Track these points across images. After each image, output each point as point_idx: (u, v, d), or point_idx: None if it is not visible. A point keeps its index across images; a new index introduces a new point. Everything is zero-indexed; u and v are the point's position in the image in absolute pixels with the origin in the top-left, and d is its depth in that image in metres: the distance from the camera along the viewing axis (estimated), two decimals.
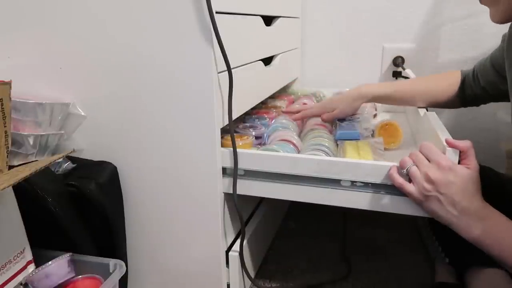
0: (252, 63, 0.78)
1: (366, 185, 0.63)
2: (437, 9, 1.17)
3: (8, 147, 0.58)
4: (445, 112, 1.26)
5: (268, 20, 0.92)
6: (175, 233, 0.74)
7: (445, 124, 1.34)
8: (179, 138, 0.67)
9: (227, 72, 0.64)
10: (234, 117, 0.70)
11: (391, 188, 0.61)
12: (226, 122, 0.68)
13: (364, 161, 0.62)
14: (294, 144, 0.75)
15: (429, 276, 0.88)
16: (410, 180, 0.58)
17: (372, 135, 0.83)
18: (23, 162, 0.66)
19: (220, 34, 0.59)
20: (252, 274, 0.87)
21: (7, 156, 0.58)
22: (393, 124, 0.82)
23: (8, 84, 0.56)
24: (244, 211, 0.85)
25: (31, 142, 0.67)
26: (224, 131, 0.68)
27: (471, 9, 1.13)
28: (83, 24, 0.66)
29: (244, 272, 0.75)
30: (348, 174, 0.63)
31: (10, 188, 0.54)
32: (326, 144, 0.74)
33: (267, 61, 0.90)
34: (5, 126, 0.56)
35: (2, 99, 0.55)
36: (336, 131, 0.81)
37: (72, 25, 0.67)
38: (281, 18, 0.97)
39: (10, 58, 0.72)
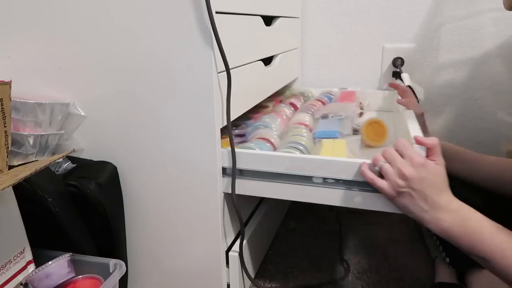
0: (252, 63, 0.78)
1: (338, 182, 0.64)
2: (437, 9, 1.17)
3: (8, 147, 0.58)
4: (445, 113, 1.26)
5: (268, 20, 0.92)
6: (175, 233, 0.74)
7: (445, 125, 1.35)
8: (179, 138, 0.67)
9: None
10: (234, 117, 0.70)
11: (363, 185, 0.62)
12: (224, 123, 0.68)
13: (335, 158, 0.63)
14: (271, 143, 0.76)
15: (429, 276, 0.88)
16: (382, 177, 0.58)
17: (358, 133, 0.84)
18: (23, 162, 0.66)
19: (220, 34, 0.59)
20: (252, 274, 0.87)
21: (7, 156, 0.58)
22: (379, 122, 0.82)
23: (8, 84, 0.56)
24: (244, 211, 0.85)
25: (31, 142, 0.67)
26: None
27: (471, 9, 1.13)
28: (83, 24, 0.66)
29: (244, 272, 0.75)
30: (320, 171, 0.63)
31: (10, 188, 0.54)
32: (303, 142, 0.75)
33: (267, 61, 0.90)
34: (5, 126, 0.56)
35: (2, 99, 0.55)
36: (315, 130, 0.82)
37: (72, 25, 0.67)
38: (281, 18, 0.97)
39: (10, 58, 0.72)
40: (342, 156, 0.65)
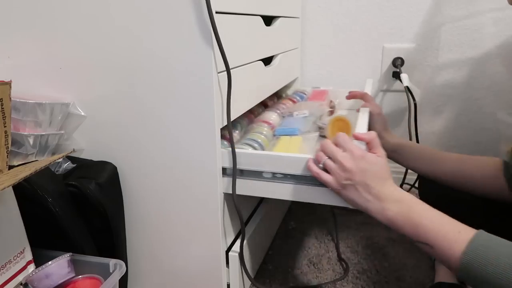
0: (252, 63, 0.78)
1: (286, 177, 0.66)
2: (437, 9, 1.17)
3: (8, 147, 0.58)
4: (445, 113, 1.26)
5: (268, 20, 0.92)
6: (175, 233, 0.74)
7: (445, 125, 1.35)
8: (179, 138, 0.67)
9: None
10: (234, 117, 0.70)
11: (311, 179, 0.63)
12: (225, 123, 0.68)
13: (283, 154, 0.65)
14: (228, 140, 0.76)
15: (429, 276, 0.88)
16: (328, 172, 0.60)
17: (323, 130, 0.86)
18: (23, 162, 0.66)
19: (220, 34, 0.59)
20: (252, 274, 0.87)
21: (7, 156, 0.58)
22: (344, 120, 0.83)
23: (8, 84, 0.56)
24: (244, 211, 0.85)
25: (31, 142, 0.67)
26: None
27: (471, 9, 1.13)
28: (83, 24, 0.66)
29: (244, 272, 0.75)
30: (269, 166, 0.66)
31: (10, 188, 0.54)
32: (259, 139, 0.76)
33: (267, 61, 0.90)
34: (5, 126, 0.56)
35: (2, 99, 0.55)
36: (278, 127, 0.85)
37: (72, 25, 0.67)
38: (281, 18, 0.97)
39: (10, 58, 0.72)
40: (295, 152, 0.66)
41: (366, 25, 1.25)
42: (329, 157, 0.60)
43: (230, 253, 0.75)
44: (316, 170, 0.60)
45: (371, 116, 0.86)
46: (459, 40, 1.17)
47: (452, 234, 0.51)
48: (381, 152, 0.60)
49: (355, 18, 1.25)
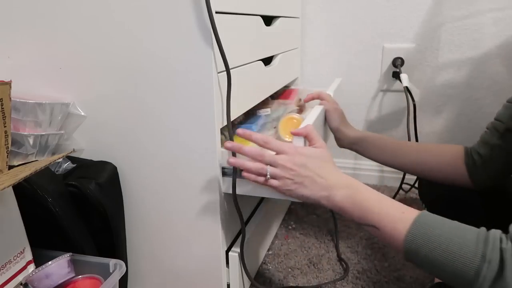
0: (252, 63, 0.78)
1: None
2: (437, 9, 1.17)
3: (8, 147, 0.58)
4: (445, 113, 1.26)
5: (268, 20, 0.92)
6: (175, 233, 0.74)
7: (445, 125, 1.35)
8: (179, 138, 0.67)
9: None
10: (234, 116, 0.70)
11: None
12: (225, 122, 0.68)
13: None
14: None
15: (429, 276, 0.88)
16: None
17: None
18: (23, 162, 0.66)
19: (220, 34, 0.59)
20: (252, 274, 0.87)
21: (7, 156, 0.58)
22: (296, 118, 0.83)
23: (8, 84, 0.56)
24: (244, 211, 0.85)
25: (31, 142, 0.67)
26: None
27: (471, 9, 1.13)
28: (83, 24, 0.66)
29: (244, 272, 0.75)
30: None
31: (10, 188, 0.54)
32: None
33: (267, 61, 0.90)
34: (5, 126, 0.56)
35: (2, 99, 0.55)
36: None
37: (72, 25, 0.67)
38: (281, 18, 0.97)
39: (10, 58, 0.72)
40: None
41: (366, 25, 1.25)
42: (270, 165, 0.60)
43: (230, 253, 0.75)
44: (263, 180, 0.61)
45: (327, 113, 0.88)
46: (459, 40, 1.17)
47: (396, 214, 0.52)
48: (320, 143, 0.62)
49: (355, 18, 1.25)
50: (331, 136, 0.91)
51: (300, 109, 1.00)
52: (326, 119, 0.88)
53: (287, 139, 0.78)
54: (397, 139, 0.85)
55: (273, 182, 0.60)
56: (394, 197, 1.19)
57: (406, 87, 1.15)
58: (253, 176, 0.61)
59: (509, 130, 0.69)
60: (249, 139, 0.62)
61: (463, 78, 1.21)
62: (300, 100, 1.04)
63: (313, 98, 0.93)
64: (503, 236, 0.45)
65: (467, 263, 0.45)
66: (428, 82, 1.24)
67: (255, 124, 0.85)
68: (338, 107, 0.90)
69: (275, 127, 0.86)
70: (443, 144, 0.82)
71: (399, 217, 0.51)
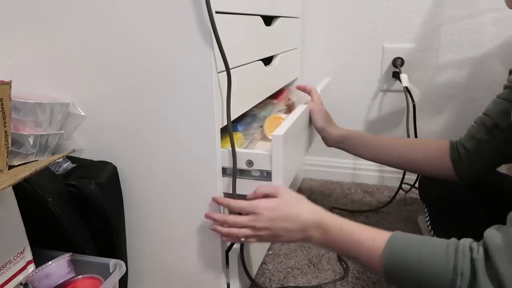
0: (252, 63, 0.78)
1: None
2: (437, 9, 1.17)
3: (8, 147, 0.58)
4: (445, 113, 1.26)
5: (268, 20, 0.92)
6: (175, 233, 0.74)
7: (445, 125, 1.35)
8: (179, 138, 0.67)
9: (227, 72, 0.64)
10: (234, 116, 0.70)
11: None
12: (226, 122, 0.68)
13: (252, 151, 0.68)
14: None
15: None
16: None
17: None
18: (23, 162, 0.66)
19: (220, 34, 0.59)
20: (252, 274, 0.87)
21: (7, 156, 0.58)
22: (281, 117, 0.84)
23: (8, 84, 0.56)
24: None
25: (31, 142, 0.67)
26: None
27: (471, 9, 1.13)
28: (83, 24, 0.66)
29: (244, 272, 0.75)
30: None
31: (10, 188, 0.54)
32: None
33: (267, 61, 0.90)
34: (5, 126, 0.56)
35: (2, 99, 0.55)
36: None
37: (72, 25, 0.67)
38: (281, 18, 0.97)
39: (10, 58, 0.72)
40: (227, 147, 0.68)
41: (366, 25, 1.25)
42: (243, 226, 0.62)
43: (230, 253, 0.75)
44: (239, 241, 0.63)
45: (311, 113, 0.89)
46: (459, 40, 1.18)
47: (368, 243, 0.53)
48: (279, 191, 0.63)
49: (355, 18, 1.25)
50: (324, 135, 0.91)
51: (289, 109, 1.01)
52: (311, 119, 0.89)
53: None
54: (383, 135, 0.86)
55: (250, 240, 0.62)
56: (394, 197, 1.19)
57: (406, 87, 1.15)
58: (229, 239, 0.65)
59: (496, 126, 0.70)
60: (224, 205, 0.66)
61: (463, 78, 1.21)
62: (289, 99, 1.04)
63: (304, 89, 0.94)
64: (474, 244, 0.45)
65: (441, 279, 0.45)
66: (428, 82, 1.24)
67: (240, 123, 0.85)
68: (323, 107, 0.91)
69: (261, 126, 0.87)
70: (429, 139, 0.83)
71: (371, 246, 0.53)
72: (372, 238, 0.54)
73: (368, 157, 0.86)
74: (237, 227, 0.62)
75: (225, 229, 0.64)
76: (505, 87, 0.72)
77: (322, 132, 0.89)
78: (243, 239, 0.62)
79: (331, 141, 0.89)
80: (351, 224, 0.58)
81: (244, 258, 0.74)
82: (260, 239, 0.62)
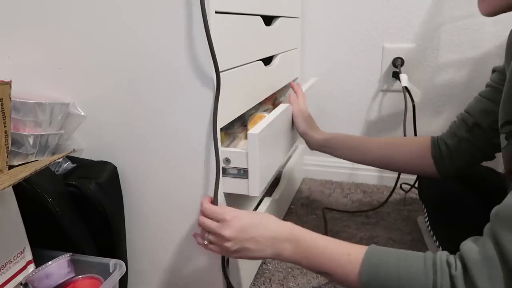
0: (252, 63, 0.78)
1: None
2: (437, 9, 1.17)
3: (8, 147, 0.58)
4: (445, 113, 1.26)
5: (268, 20, 0.92)
6: (175, 233, 0.74)
7: (445, 125, 1.35)
8: (179, 138, 0.67)
9: (228, 71, 0.64)
10: (234, 116, 0.70)
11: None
12: (226, 121, 0.68)
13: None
14: None
15: None
16: None
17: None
18: (23, 162, 0.66)
19: (220, 34, 0.59)
20: (252, 274, 0.87)
21: (7, 156, 0.58)
22: (263, 116, 0.84)
23: (8, 84, 0.56)
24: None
25: (31, 142, 0.67)
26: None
27: (471, 9, 1.13)
28: (83, 24, 0.66)
29: (243, 273, 0.75)
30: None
31: (10, 188, 0.54)
32: None
33: (267, 61, 0.91)
34: (5, 126, 0.56)
35: (2, 99, 0.55)
36: None
37: (72, 25, 0.67)
38: (281, 18, 0.97)
39: (10, 58, 0.72)
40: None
41: (366, 25, 1.25)
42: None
43: None
44: (205, 247, 0.61)
45: (293, 117, 0.89)
46: (459, 40, 1.18)
47: (343, 258, 0.51)
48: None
49: (355, 18, 1.25)
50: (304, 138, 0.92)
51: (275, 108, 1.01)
52: (293, 123, 0.90)
53: None
54: (365, 136, 0.86)
55: (213, 248, 0.60)
56: (390, 195, 1.19)
57: (405, 87, 1.15)
58: (198, 240, 0.62)
59: (477, 125, 0.70)
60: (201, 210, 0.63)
61: (463, 78, 1.21)
62: (275, 99, 1.05)
63: (293, 89, 0.96)
64: (451, 258, 0.44)
65: None
66: (428, 82, 1.24)
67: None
68: (306, 111, 0.92)
69: (245, 125, 0.87)
70: (410, 137, 0.84)
71: (347, 261, 0.51)
72: (348, 253, 0.51)
73: (351, 159, 0.86)
74: (206, 231, 0.60)
75: (198, 233, 0.62)
76: (487, 85, 0.72)
77: (304, 136, 0.90)
78: (205, 243, 0.60)
79: (313, 145, 0.90)
80: (324, 238, 0.55)
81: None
82: (226, 251, 0.58)
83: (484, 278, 0.40)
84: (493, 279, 0.39)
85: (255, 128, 0.66)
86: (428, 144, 0.76)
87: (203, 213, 0.61)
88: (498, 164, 0.74)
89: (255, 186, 0.67)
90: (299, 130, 0.90)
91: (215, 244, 0.59)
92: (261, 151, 0.66)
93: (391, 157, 0.80)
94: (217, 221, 0.59)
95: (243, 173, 0.68)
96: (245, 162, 0.66)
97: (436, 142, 0.76)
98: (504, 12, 0.52)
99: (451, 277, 0.42)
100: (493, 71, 0.72)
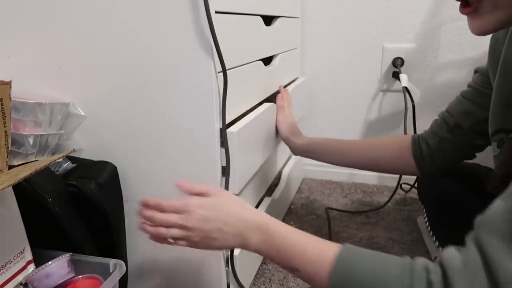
0: (252, 63, 0.78)
1: None
2: (437, 9, 1.17)
3: (8, 147, 0.58)
4: None
5: (268, 20, 0.92)
6: None
7: None
8: (179, 138, 0.67)
9: (228, 71, 0.63)
10: (234, 116, 0.70)
11: None
12: (226, 121, 0.68)
13: None
14: None
15: None
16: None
17: None
18: (23, 162, 0.66)
19: (220, 34, 0.59)
20: (252, 274, 0.87)
21: (7, 156, 0.58)
22: None
23: (8, 84, 0.56)
24: None
25: (31, 142, 0.67)
26: None
27: None
28: (83, 24, 0.66)
29: (244, 272, 0.75)
30: None
31: (10, 188, 0.54)
32: None
33: (267, 61, 0.91)
34: (5, 126, 0.56)
35: (2, 99, 0.55)
36: None
37: (72, 25, 0.67)
38: (281, 18, 0.97)
39: (10, 58, 0.72)
40: None
41: (366, 25, 1.25)
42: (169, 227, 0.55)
43: (230, 253, 0.75)
44: (166, 243, 0.56)
45: (277, 123, 0.91)
46: (459, 40, 1.17)
47: (314, 254, 0.48)
48: (214, 191, 0.57)
49: (355, 18, 1.25)
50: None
51: None
52: (276, 129, 0.91)
53: None
54: (347, 139, 0.87)
55: (180, 242, 0.55)
56: (391, 197, 1.19)
57: (405, 87, 1.15)
58: (157, 239, 0.57)
59: (458, 126, 0.70)
60: (152, 207, 0.57)
61: (463, 78, 1.21)
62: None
63: (281, 93, 0.96)
64: (431, 265, 0.41)
65: None
66: (428, 82, 1.24)
67: None
68: (290, 117, 0.92)
69: None
70: (391, 137, 0.84)
71: (318, 257, 0.47)
72: (319, 249, 0.48)
73: (334, 163, 0.86)
74: (166, 226, 0.55)
75: (152, 228, 0.56)
76: (469, 86, 0.72)
77: (287, 142, 0.91)
78: (172, 241, 0.55)
79: (296, 151, 0.90)
80: (296, 231, 0.52)
81: (244, 258, 0.74)
82: (192, 242, 0.55)
83: (464, 287, 0.37)
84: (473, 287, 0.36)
85: (234, 126, 0.67)
86: (408, 144, 0.76)
87: (160, 207, 0.57)
88: None
89: (234, 183, 0.68)
90: (282, 136, 0.91)
91: (181, 238, 0.55)
92: (241, 149, 0.67)
93: (372, 158, 0.81)
94: (179, 213, 0.55)
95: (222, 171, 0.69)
96: (224, 159, 0.67)
97: (417, 141, 0.76)
98: (497, 31, 0.51)
99: (429, 283, 0.39)
100: (475, 71, 0.71)
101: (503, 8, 0.46)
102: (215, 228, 0.53)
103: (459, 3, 0.49)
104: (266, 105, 0.86)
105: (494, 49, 0.63)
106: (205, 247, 0.56)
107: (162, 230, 0.55)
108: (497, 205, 0.38)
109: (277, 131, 0.93)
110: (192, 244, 0.55)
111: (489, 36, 1.16)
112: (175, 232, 0.55)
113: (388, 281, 0.42)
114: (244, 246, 0.54)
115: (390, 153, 0.79)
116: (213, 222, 0.53)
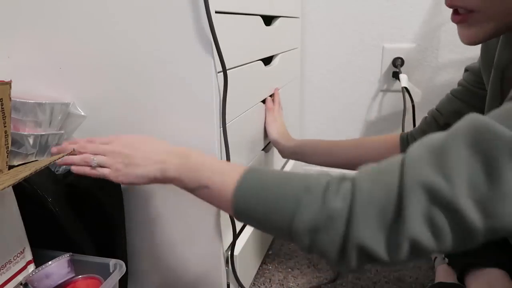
0: (252, 63, 0.78)
1: None
2: (437, 9, 1.17)
3: (8, 147, 0.58)
4: None
5: (268, 20, 0.92)
6: (175, 233, 0.74)
7: None
8: (179, 138, 0.67)
9: (228, 71, 0.63)
10: (234, 116, 0.70)
11: None
12: (226, 121, 0.68)
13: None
14: None
15: (429, 276, 0.88)
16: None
17: None
18: (23, 162, 0.66)
19: (220, 34, 0.59)
20: (252, 274, 0.87)
21: (7, 156, 0.58)
22: None
23: (8, 84, 0.56)
24: None
25: (31, 142, 0.67)
26: None
27: None
28: (83, 24, 0.66)
29: (242, 273, 0.75)
30: None
31: (10, 188, 0.54)
32: None
33: (267, 61, 0.91)
34: (5, 126, 0.56)
35: (2, 99, 0.55)
36: None
37: (72, 25, 0.67)
38: (281, 18, 0.97)
39: (10, 58, 0.72)
40: None
41: (366, 25, 1.25)
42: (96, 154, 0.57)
43: (230, 253, 0.75)
44: (90, 170, 0.57)
45: (266, 126, 0.91)
46: (459, 40, 1.17)
47: (227, 168, 0.49)
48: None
49: (355, 18, 1.25)
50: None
51: None
52: (265, 131, 0.92)
53: None
54: (335, 140, 0.86)
55: (103, 170, 0.56)
56: None
57: (405, 87, 1.15)
58: (81, 168, 0.57)
59: (448, 125, 0.70)
60: (68, 149, 0.58)
61: None
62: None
63: (274, 97, 0.96)
64: (339, 180, 0.42)
65: (288, 196, 0.41)
66: (428, 82, 1.24)
67: None
68: (279, 120, 0.92)
69: None
70: (378, 136, 0.83)
71: (230, 170, 0.48)
72: (234, 166, 0.49)
73: (323, 164, 0.85)
74: (95, 154, 0.56)
75: (78, 156, 0.57)
76: (459, 84, 0.72)
77: (276, 145, 0.91)
78: (96, 170, 0.56)
79: (285, 153, 0.90)
80: (218, 160, 0.53)
81: (244, 258, 0.74)
82: (115, 170, 0.55)
83: (369, 183, 0.40)
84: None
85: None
86: (396, 143, 0.76)
87: (89, 143, 0.59)
88: None
89: None
90: (270, 138, 0.91)
91: (106, 164, 0.55)
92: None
93: (360, 158, 0.79)
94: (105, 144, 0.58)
95: None
96: (223, 159, 0.67)
97: (405, 139, 0.75)
98: (486, 41, 0.51)
99: (327, 182, 0.40)
100: (466, 70, 0.71)
101: (493, 20, 0.47)
102: (139, 154, 0.55)
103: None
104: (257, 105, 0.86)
105: (486, 50, 0.63)
106: (126, 176, 0.55)
107: (89, 155, 0.56)
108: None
109: (265, 133, 0.93)
110: (116, 171, 0.55)
111: None
112: (100, 157, 0.56)
113: (289, 183, 0.42)
114: (163, 173, 0.53)
115: (377, 152, 0.78)
116: (137, 148, 0.55)
